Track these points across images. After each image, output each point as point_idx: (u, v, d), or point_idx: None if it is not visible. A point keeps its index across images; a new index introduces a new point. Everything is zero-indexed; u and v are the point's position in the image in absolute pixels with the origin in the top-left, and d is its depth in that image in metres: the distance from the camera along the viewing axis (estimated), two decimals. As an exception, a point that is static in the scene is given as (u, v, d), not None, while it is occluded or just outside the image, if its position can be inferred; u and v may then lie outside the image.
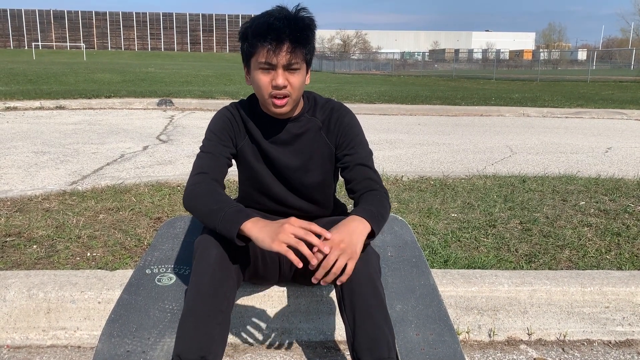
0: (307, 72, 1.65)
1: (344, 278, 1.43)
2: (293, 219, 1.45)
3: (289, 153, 1.75)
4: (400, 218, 2.38)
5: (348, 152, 1.74)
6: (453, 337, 1.72)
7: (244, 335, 1.96)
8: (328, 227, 1.54)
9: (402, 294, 1.85)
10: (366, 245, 1.55)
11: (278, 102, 1.61)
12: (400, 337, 1.70)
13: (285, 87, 1.59)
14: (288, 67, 1.58)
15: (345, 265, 1.43)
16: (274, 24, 1.53)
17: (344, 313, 1.53)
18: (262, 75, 1.59)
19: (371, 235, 1.52)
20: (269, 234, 1.42)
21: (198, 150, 1.78)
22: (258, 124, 1.74)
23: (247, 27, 1.61)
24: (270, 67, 1.57)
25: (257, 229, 1.45)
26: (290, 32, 1.54)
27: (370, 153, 1.77)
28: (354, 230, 1.48)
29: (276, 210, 1.84)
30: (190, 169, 1.80)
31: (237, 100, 1.81)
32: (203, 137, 1.79)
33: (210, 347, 1.47)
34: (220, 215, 1.50)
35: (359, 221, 1.50)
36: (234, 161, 1.80)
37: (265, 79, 1.59)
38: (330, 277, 1.42)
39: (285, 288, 1.97)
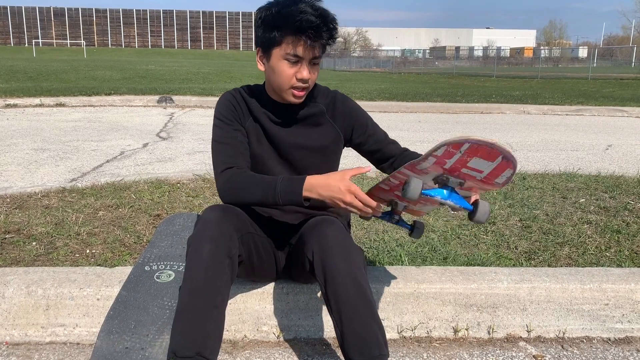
0: None
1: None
2: (351, 185, 1.50)
3: (293, 133, 1.77)
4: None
5: (368, 136, 1.82)
6: None
7: (243, 332, 1.96)
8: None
9: None
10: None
11: (298, 93, 1.66)
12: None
13: (308, 80, 1.64)
14: (313, 61, 1.62)
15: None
16: (313, 20, 1.54)
17: (331, 313, 1.53)
18: (287, 66, 1.61)
19: None
20: (331, 197, 1.53)
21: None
22: (264, 107, 1.76)
23: (276, 15, 1.58)
24: (298, 60, 1.60)
25: (320, 190, 1.54)
26: (327, 30, 1.58)
27: (384, 132, 1.89)
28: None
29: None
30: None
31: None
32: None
33: (206, 342, 1.47)
34: (276, 189, 1.57)
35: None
36: None
37: (290, 71, 1.62)
38: None
39: (284, 285, 1.97)
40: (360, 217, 1.60)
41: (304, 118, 1.77)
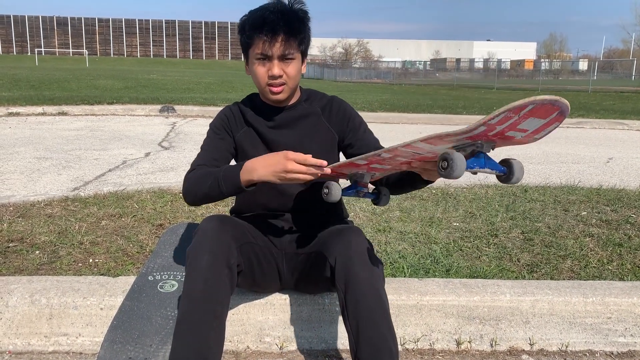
0: (302, 62, 1.73)
1: None
2: (288, 153, 1.45)
3: (288, 135, 1.79)
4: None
5: (358, 139, 1.81)
6: None
7: (246, 343, 1.96)
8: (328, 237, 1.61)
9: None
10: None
11: (274, 89, 1.69)
12: None
13: (280, 76, 1.67)
14: (283, 58, 1.66)
15: None
16: (268, 17, 1.61)
17: (347, 321, 1.53)
18: (258, 65, 1.67)
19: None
20: (273, 172, 1.47)
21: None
22: (257, 113, 1.80)
23: (244, 20, 1.68)
24: (266, 58, 1.65)
25: (260, 171, 1.50)
26: (284, 24, 1.62)
27: (376, 138, 1.85)
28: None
29: (276, 203, 1.83)
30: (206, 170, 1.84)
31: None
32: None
33: (207, 353, 1.47)
34: (218, 177, 1.57)
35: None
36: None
37: (261, 69, 1.67)
38: None
39: (287, 296, 1.97)
40: (325, 198, 1.52)
41: (299, 119, 1.80)
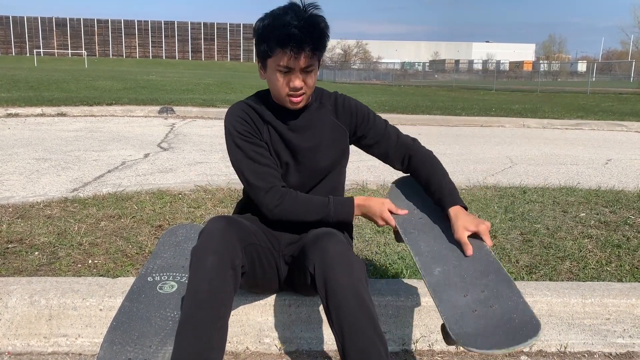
0: (318, 67, 1.74)
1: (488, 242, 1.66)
2: (386, 202, 1.76)
3: (303, 136, 1.81)
4: None
5: (367, 130, 1.86)
6: (511, 288, 1.48)
7: (245, 344, 1.96)
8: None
9: (439, 256, 1.65)
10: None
11: (295, 99, 1.71)
12: (445, 304, 1.48)
13: (301, 88, 1.68)
14: (304, 70, 1.66)
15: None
16: (294, 33, 1.58)
17: (332, 327, 1.53)
18: (279, 76, 1.67)
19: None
20: (374, 214, 1.77)
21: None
22: (274, 113, 1.80)
23: (265, 28, 1.64)
24: (289, 70, 1.65)
25: (371, 209, 1.77)
26: (310, 40, 1.61)
27: (385, 122, 1.91)
28: (468, 219, 1.68)
29: None
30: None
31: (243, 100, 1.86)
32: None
33: (209, 354, 1.47)
34: (329, 208, 1.76)
35: (460, 210, 1.71)
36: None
37: (282, 80, 1.67)
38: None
39: (286, 297, 1.97)
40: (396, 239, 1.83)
41: (312, 119, 1.82)
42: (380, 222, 1.77)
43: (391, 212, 1.77)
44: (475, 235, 1.65)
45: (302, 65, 1.64)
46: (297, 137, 1.80)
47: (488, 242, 1.64)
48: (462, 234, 1.64)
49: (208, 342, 1.48)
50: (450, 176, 1.83)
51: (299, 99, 1.70)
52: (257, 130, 1.78)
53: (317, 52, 1.65)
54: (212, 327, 1.49)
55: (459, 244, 1.65)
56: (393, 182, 2.00)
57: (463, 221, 1.66)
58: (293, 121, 1.80)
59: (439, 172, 1.82)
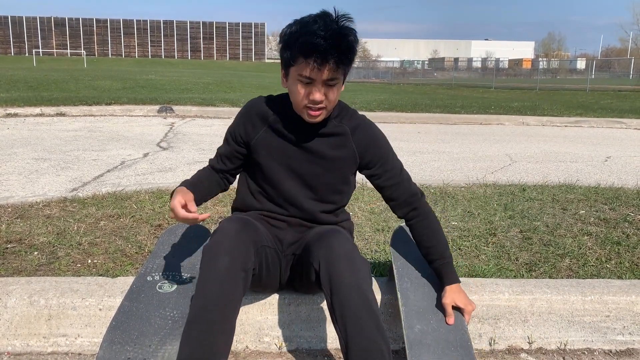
0: (343, 81, 1.67)
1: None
2: (179, 197, 1.63)
3: (310, 149, 1.75)
4: None
5: (379, 169, 1.80)
6: None
7: (245, 343, 1.96)
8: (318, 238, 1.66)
9: (422, 313, 1.79)
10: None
11: (313, 113, 1.64)
12: None
13: (321, 102, 1.61)
14: (327, 83, 1.59)
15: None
16: (319, 44, 1.51)
17: (335, 325, 1.53)
18: (300, 86, 1.60)
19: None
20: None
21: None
22: (284, 119, 1.75)
23: (291, 35, 1.58)
24: (310, 81, 1.58)
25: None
26: (336, 53, 1.54)
27: (400, 165, 1.85)
28: (460, 296, 1.79)
29: (281, 211, 1.82)
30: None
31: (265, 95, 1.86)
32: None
33: (215, 355, 1.47)
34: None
35: (456, 287, 1.82)
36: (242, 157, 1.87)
37: (302, 91, 1.60)
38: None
39: (286, 296, 1.97)
40: None
41: (325, 136, 1.76)
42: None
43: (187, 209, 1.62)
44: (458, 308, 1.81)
45: (324, 77, 1.57)
46: (299, 146, 1.75)
47: (467, 320, 1.79)
48: (449, 305, 1.77)
49: (215, 343, 1.48)
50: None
51: (317, 112, 1.63)
52: (245, 132, 1.79)
53: (341, 65, 1.57)
54: (220, 329, 1.49)
55: (443, 310, 1.80)
56: (402, 225, 2.04)
57: (456, 295, 1.79)
58: (301, 130, 1.74)
59: (442, 242, 1.85)
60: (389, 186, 1.82)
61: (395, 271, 1.93)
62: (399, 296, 1.83)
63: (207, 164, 1.92)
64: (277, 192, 1.80)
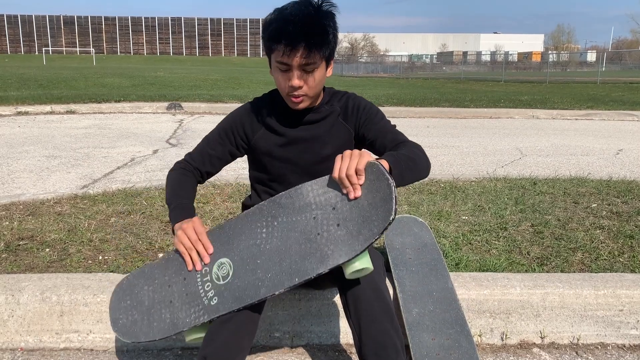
0: (328, 66, 1.64)
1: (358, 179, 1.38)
2: (189, 228, 1.54)
3: (305, 138, 1.75)
4: (420, 220, 2.38)
5: (370, 128, 1.73)
6: (469, 342, 1.72)
7: (255, 338, 1.96)
8: None
9: (419, 297, 1.86)
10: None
11: (295, 99, 1.64)
12: (416, 342, 1.71)
13: (300, 87, 1.60)
14: (304, 68, 1.57)
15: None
16: (286, 29, 1.51)
17: (349, 319, 1.53)
18: (279, 74, 1.61)
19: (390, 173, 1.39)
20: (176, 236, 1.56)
21: None
22: (277, 114, 1.75)
23: (268, 22, 1.59)
24: (287, 68, 1.58)
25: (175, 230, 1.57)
26: (304, 37, 1.51)
27: (391, 124, 1.74)
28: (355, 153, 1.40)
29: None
30: (180, 188, 1.84)
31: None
32: None
33: (237, 356, 1.47)
34: (170, 206, 1.66)
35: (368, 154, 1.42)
36: (242, 157, 1.84)
37: (282, 78, 1.61)
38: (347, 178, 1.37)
39: (296, 291, 1.97)
40: None
41: (318, 121, 1.76)
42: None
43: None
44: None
45: (298, 62, 1.55)
46: (295, 137, 1.74)
47: (337, 159, 1.42)
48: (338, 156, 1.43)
49: (239, 345, 1.46)
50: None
51: (299, 99, 1.63)
52: (240, 134, 1.77)
53: (315, 49, 1.54)
54: (245, 330, 1.47)
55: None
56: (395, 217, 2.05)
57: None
58: (296, 123, 1.74)
59: (409, 151, 1.58)
60: (379, 138, 1.71)
61: (390, 261, 2.03)
62: (395, 284, 1.91)
63: (185, 162, 1.80)
64: (284, 188, 1.80)
